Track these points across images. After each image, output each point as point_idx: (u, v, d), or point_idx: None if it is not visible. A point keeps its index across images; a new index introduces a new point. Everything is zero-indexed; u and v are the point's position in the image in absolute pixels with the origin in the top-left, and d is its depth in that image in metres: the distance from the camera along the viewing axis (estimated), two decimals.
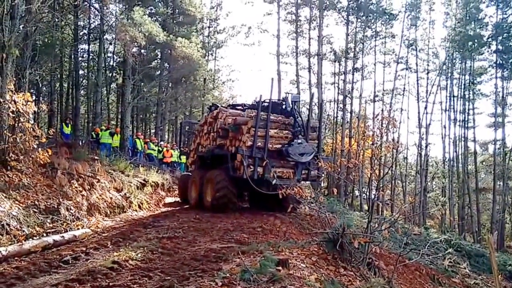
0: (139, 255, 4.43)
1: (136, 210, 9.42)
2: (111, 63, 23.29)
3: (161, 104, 21.59)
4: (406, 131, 35.13)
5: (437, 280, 7.70)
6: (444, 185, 28.61)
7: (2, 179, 6.29)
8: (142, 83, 19.20)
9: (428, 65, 27.69)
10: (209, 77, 25.77)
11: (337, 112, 27.09)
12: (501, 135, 25.02)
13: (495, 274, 5.27)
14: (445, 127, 26.99)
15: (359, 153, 23.48)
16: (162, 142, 18.72)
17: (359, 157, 22.97)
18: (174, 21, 20.30)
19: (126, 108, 16.64)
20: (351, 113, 26.03)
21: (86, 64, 21.53)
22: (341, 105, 26.01)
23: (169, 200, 11.93)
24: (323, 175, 9.34)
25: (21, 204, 6.04)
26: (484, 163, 30.82)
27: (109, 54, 23.04)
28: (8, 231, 5.29)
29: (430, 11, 27.52)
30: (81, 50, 20.90)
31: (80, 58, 20.25)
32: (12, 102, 6.81)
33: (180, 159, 17.14)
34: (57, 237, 5.51)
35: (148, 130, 27.03)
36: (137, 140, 15.68)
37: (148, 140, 17.00)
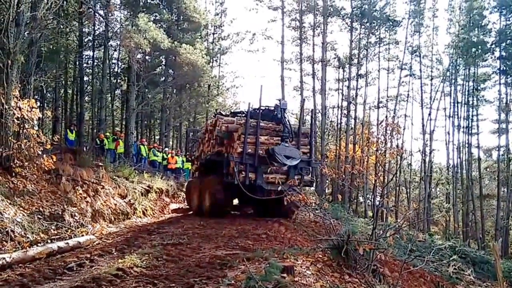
0: (144, 262, 4.42)
1: (140, 217, 9.43)
2: (116, 70, 23.49)
3: (165, 110, 21.70)
4: (410, 137, 35.21)
5: (441, 287, 7.60)
6: (448, 191, 28.40)
7: (7, 185, 6.32)
8: (147, 90, 19.32)
9: (432, 71, 27.72)
10: (214, 83, 25.90)
11: (341, 118, 27.09)
12: (505, 141, 24.87)
13: (500, 281, 5.21)
14: (449, 133, 26.91)
15: (363, 160, 23.39)
16: (167, 149, 18.77)
17: (363, 163, 22.89)
18: (179, 28, 20.49)
19: (131, 114, 16.74)
20: (355, 119, 26.01)
21: (90, 70, 21.72)
22: (345, 111, 26.01)
23: (173, 206, 11.93)
24: (315, 180, 9.50)
25: (25, 211, 6.06)
26: (488, 169, 30.61)
27: (114, 61, 23.27)
28: (13, 237, 5.30)
29: (433, 18, 27.63)
30: (86, 57, 21.14)
31: (84, 65, 20.45)
32: (17, 109, 6.87)
33: (183, 165, 17.19)
34: (61, 244, 5.51)
35: (153, 137, 27.12)
36: (142, 147, 15.73)
37: (152, 146, 17.05)
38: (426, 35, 27.68)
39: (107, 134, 15.45)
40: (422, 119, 26.42)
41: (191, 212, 10.51)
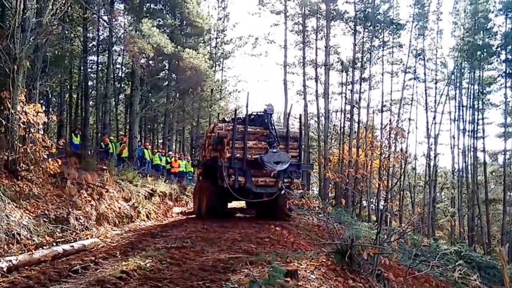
0: (147, 264, 4.43)
1: (144, 220, 9.46)
2: (120, 74, 23.69)
3: (168, 114, 21.82)
4: (415, 141, 35.06)
5: None
6: (453, 195, 28.21)
7: (13, 188, 6.38)
8: (150, 94, 19.46)
9: (436, 74, 27.66)
10: (216, 87, 26.01)
11: (344, 122, 27.04)
12: (511, 145, 24.87)
13: (507, 287, 5.16)
14: (454, 137, 26.78)
15: (367, 164, 23.31)
16: (170, 152, 18.85)
17: (367, 167, 22.81)
18: (182, 33, 20.66)
19: (134, 118, 16.86)
20: (358, 123, 25.97)
21: (95, 75, 21.92)
22: (348, 115, 25.97)
23: (176, 210, 11.96)
24: (305, 183, 9.75)
25: (31, 214, 6.11)
26: (494, 173, 30.37)
27: (118, 66, 23.47)
28: (19, 240, 5.34)
29: (438, 21, 27.65)
30: (90, 62, 21.31)
31: (89, 70, 20.62)
32: (23, 113, 6.94)
33: (186, 169, 17.28)
34: (66, 247, 5.54)
35: (156, 141, 27.24)
36: (145, 151, 15.82)
37: (157, 151, 17.14)
38: (431, 38, 27.65)
39: (111, 138, 15.57)
40: (427, 122, 26.36)
41: (193, 216, 10.57)
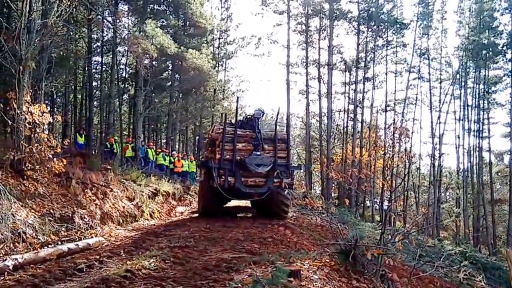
0: (151, 264, 4.46)
1: (147, 219, 9.51)
2: (124, 75, 23.79)
3: (172, 114, 21.88)
4: (419, 141, 34.92)
5: None
6: (459, 196, 27.98)
7: (18, 188, 6.44)
8: (154, 94, 19.53)
9: (441, 74, 27.46)
10: (219, 87, 26.04)
11: (347, 122, 26.94)
12: None
13: None
14: (459, 137, 26.57)
15: (370, 164, 23.23)
16: (174, 152, 18.92)
17: (370, 167, 22.72)
18: (185, 33, 20.71)
19: (138, 118, 16.92)
20: (362, 122, 25.85)
21: (99, 75, 22.05)
22: (351, 115, 25.88)
23: (180, 209, 12.00)
24: (293, 183, 10.30)
25: (37, 213, 6.17)
26: (499, 173, 30.08)
27: (122, 66, 23.60)
28: (24, 239, 5.39)
29: (442, 20, 27.43)
30: (95, 62, 21.47)
31: (93, 70, 20.75)
32: (29, 113, 7.00)
33: (189, 168, 17.34)
34: (71, 245, 5.59)
35: (159, 140, 27.34)
36: (149, 150, 15.89)
37: (161, 150, 17.21)
38: (435, 38, 27.44)
39: (115, 138, 15.66)
40: (431, 122, 26.19)
41: (196, 215, 10.62)
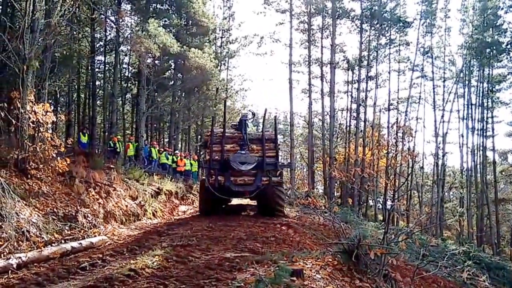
0: (154, 263, 4.46)
1: (150, 218, 9.54)
2: (127, 74, 23.86)
3: (174, 113, 21.92)
4: (422, 140, 34.81)
5: None
6: (462, 195, 27.84)
7: (22, 187, 6.48)
8: (156, 93, 19.56)
9: (444, 72, 27.32)
10: (222, 86, 26.06)
11: (350, 121, 26.88)
12: None
13: None
14: (462, 136, 26.44)
15: (373, 163, 23.15)
16: (177, 151, 18.96)
17: (373, 166, 22.65)
18: (188, 32, 20.72)
19: (141, 117, 16.96)
20: (365, 121, 25.76)
21: (102, 75, 22.12)
22: (354, 114, 25.80)
23: (182, 208, 12.02)
24: (282, 181, 10.67)
25: (40, 212, 6.20)
26: (503, 173, 29.90)
27: (125, 65, 23.64)
28: (28, 237, 5.42)
29: (445, 18, 27.28)
30: (98, 62, 21.51)
31: (96, 69, 20.82)
32: (32, 113, 7.04)
33: (192, 167, 17.37)
34: (75, 244, 5.62)
35: (162, 139, 27.42)
36: (153, 149, 15.93)
37: (164, 149, 17.26)
38: (438, 36, 27.30)
39: (118, 137, 15.72)
40: (435, 121, 26.07)
41: (199, 214, 10.64)
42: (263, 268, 4.18)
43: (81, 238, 6.06)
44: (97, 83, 20.99)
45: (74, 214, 6.68)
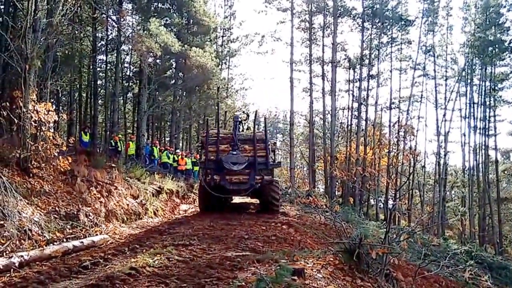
0: (156, 261, 4.47)
1: (151, 217, 9.56)
2: (128, 73, 23.89)
3: (175, 112, 21.94)
4: (424, 139, 34.72)
5: None
6: (464, 194, 27.79)
7: (24, 185, 6.50)
8: (157, 92, 19.58)
9: (446, 71, 27.22)
10: (223, 85, 26.04)
11: (351, 120, 26.83)
12: None
13: None
14: (464, 135, 26.35)
15: (375, 162, 23.11)
16: (178, 150, 18.99)
17: (375, 165, 22.61)
18: (189, 31, 20.72)
19: (142, 116, 16.99)
20: (366, 120, 25.72)
21: (103, 74, 22.14)
22: (355, 113, 25.74)
23: (183, 207, 12.04)
24: (275, 179, 10.92)
25: (42, 210, 6.22)
26: (505, 172, 29.82)
27: (126, 65, 23.67)
28: (30, 236, 5.44)
29: (447, 17, 27.17)
30: (99, 61, 21.55)
31: (98, 69, 20.84)
32: (35, 112, 7.05)
33: (193, 166, 17.39)
34: (76, 243, 5.63)
35: (163, 139, 27.44)
36: (154, 148, 15.95)
37: (164, 148, 17.27)
38: (440, 34, 27.20)
39: (120, 136, 15.75)
40: (437, 120, 26.00)
41: (199, 213, 10.68)
42: (264, 267, 4.18)
43: (82, 237, 6.08)
44: (99, 82, 21.03)
45: (75, 212, 6.70)
